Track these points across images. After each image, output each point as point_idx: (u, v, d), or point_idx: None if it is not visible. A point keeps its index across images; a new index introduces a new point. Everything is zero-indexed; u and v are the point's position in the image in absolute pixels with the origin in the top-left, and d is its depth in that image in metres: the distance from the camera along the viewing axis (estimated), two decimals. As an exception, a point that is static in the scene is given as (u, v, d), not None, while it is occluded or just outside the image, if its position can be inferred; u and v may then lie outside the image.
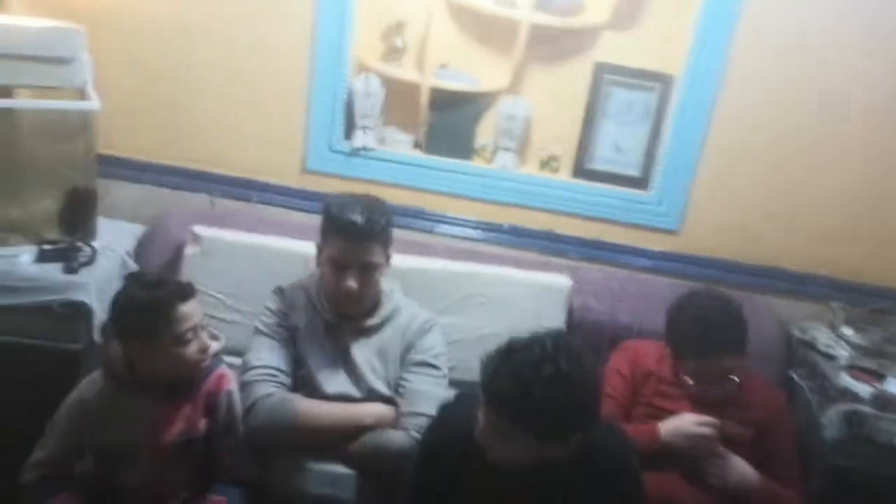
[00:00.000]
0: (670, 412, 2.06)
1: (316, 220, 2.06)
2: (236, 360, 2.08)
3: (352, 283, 1.90)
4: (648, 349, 2.21)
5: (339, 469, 1.87)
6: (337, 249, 1.91)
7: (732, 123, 2.48)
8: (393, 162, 2.55)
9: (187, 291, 1.80)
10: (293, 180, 2.56)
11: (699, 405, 2.06)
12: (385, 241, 1.96)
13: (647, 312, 2.39)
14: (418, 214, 2.57)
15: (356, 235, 1.89)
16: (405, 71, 2.49)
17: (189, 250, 2.26)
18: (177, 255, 2.29)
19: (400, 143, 2.56)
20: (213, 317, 2.12)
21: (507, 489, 1.59)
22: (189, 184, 2.55)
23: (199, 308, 1.83)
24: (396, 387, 1.99)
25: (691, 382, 2.05)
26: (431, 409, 1.89)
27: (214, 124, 2.52)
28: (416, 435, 1.84)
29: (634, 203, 2.57)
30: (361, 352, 1.98)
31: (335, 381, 1.95)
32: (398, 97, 2.51)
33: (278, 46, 2.45)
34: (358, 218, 1.89)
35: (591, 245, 2.60)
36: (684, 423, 1.99)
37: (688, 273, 2.58)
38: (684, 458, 2.00)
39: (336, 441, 1.87)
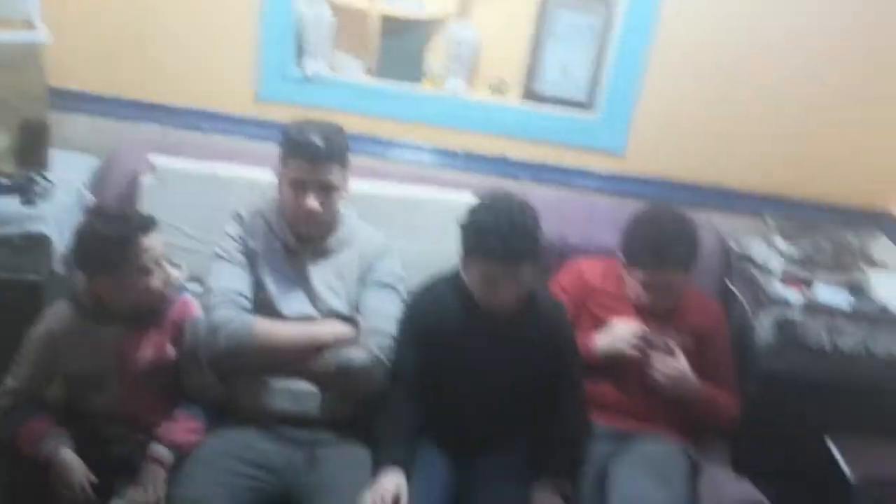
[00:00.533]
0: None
1: (270, 148, 2.10)
2: (199, 287, 2.15)
3: (312, 203, 1.95)
4: (594, 266, 2.32)
5: (303, 385, 1.94)
6: (297, 170, 1.95)
7: (674, 46, 2.54)
8: (345, 88, 2.57)
9: (149, 224, 1.85)
10: (245, 109, 2.58)
11: (642, 316, 2.19)
12: (344, 164, 2.00)
13: (593, 232, 2.49)
14: (369, 140, 2.61)
15: (315, 155, 1.93)
16: (354, -2, 2.50)
17: (145, 180, 2.28)
18: (132, 186, 2.30)
19: (351, 70, 2.59)
20: (172, 245, 2.14)
21: (480, 342, 1.96)
22: (142, 115, 2.55)
23: (161, 239, 1.88)
24: (356, 307, 2.05)
25: (638, 294, 2.18)
26: (391, 327, 1.98)
27: (165, 55, 2.51)
28: (378, 352, 1.93)
29: (581, 126, 2.65)
30: (320, 273, 2.03)
31: (294, 303, 2.00)
32: (348, 24, 2.52)
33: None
34: (317, 139, 1.93)
35: (540, 168, 2.68)
36: (615, 328, 2.15)
37: (633, 193, 2.66)
38: (620, 367, 2.15)
39: (296, 359, 1.93)
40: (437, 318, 1.98)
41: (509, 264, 1.85)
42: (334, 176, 1.98)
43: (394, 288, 2.08)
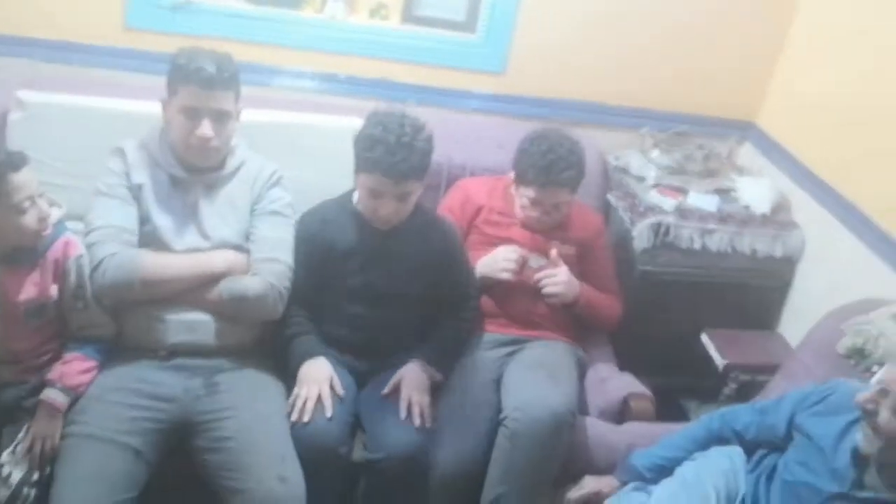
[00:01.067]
0: (502, 237, 2.29)
1: (143, 79, 2.04)
2: (80, 225, 2.09)
3: (207, 130, 1.90)
4: (480, 185, 2.39)
5: (198, 315, 1.94)
6: (189, 97, 1.89)
7: (551, -34, 2.60)
8: (220, 15, 2.51)
9: (18, 160, 1.77)
10: (115, 39, 2.49)
11: (529, 230, 2.29)
12: (236, 91, 1.97)
13: (479, 151, 2.55)
14: (252, 69, 2.53)
15: (208, 81, 1.89)
16: (227, -81, 2.43)
17: (13, 116, 2.17)
18: (-1, 124, 2.21)
19: (228, -5, 2.53)
20: (47, 184, 2.04)
21: (370, 258, 2.03)
22: (7, 49, 2.44)
23: (34, 176, 1.82)
24: (247, 236, 2.05)
25: (527, 210, 2.26)
26: (285, 255, 2.00)
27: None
28: (272, 279, 1.94)
29: (462, 47, 2.68)
30: (210, 205, 2.01)
31: (185, 237, 1.97)
32: (219, -52, 2.46)
33: None
34: (210, 65, 1.89)
35: (424, 90, 2.70)
36: (497, 252, 2.23)
37: (515, 112, 2.75)
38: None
39: (187, 290, 1.92)
40: (328, 237, 2.03)
41: (395, 179, 1.91)
42: (228, 103, 1.94)
43: (284, 215, 2.08)
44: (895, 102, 2.28)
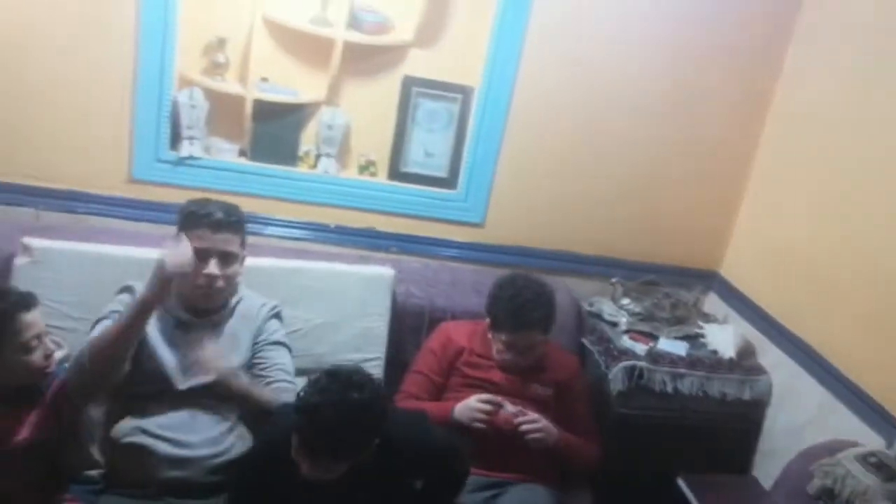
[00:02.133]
0: (482, 379, 2.37)
1: (145, 228, 2.15)
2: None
3: (214, 269, 2.02)
4: (460, 328, 2.50)
5: (187, 451, 1.97)
6: (198, 239, 2.01)
7: (525, 127, 2.83)
8: (219, 169, 2.69)
9: (30, 301, 1.87)
10: (120, 190, 2.64)
11: (507, 372, 2.38)
12: (242, 237, 2.12)
13: (459, 296, 2.70)
14: (248, 219, 2.69)
15: (217, 224, 2.04)
16: (228, 85, 2.64)
17: (19, 261, 2.28)
18: (4, 268, 2.30)
19: (226, 152, 2.71)
20: (52, 326, 2.13)
21: (322, 492, 1.77)
22: (15, 198, 2.58)
23: (41, 317, 1.91)
24: (251, 367, 2.13)
25: (502, 354, 2.36)
26: (291, 377, 2.10)
27: (40, 137, 2.55)
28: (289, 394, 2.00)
29: (444, 201, 2.87)
30: (213, 342, 2.09)
31: (188, 374, 2.03)
32: (222, 109, 2.66)
33: (102, 60, 2.52)
34: (218, 211, 2.05)
35: (408, 239, 2.88)
36: (470, 401, 2.28)
37: (492, 260, 2.91)
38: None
39: (127, 350, 1.91)
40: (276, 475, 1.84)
41: (331, 457, 1.71)
42: (234, 246, 2.09)
43: (285, 344, 2.20)
44: (850, 251, 2.45)
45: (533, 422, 2.27)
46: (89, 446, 2.02)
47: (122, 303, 2.07)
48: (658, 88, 2.87)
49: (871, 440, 2.19)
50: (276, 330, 2.21)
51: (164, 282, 1.88)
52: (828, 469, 2.03)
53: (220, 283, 2.06)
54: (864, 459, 2.03)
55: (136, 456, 1.96)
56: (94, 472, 2.02)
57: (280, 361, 2.14)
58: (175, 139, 2.65)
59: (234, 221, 2.09)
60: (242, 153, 2.75)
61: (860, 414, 2.30)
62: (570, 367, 2.52)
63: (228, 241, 2.07)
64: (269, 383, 2.10)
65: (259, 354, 2.15)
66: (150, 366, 2.03)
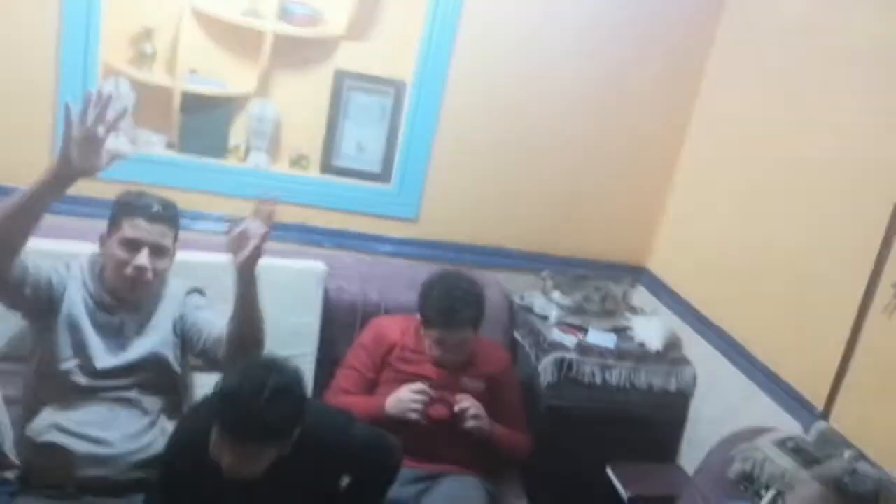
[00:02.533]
0: (414, 374, 2.38)
1: (68, 222, 2.11)
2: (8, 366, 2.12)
3: (143, 260, 1.98)
4: (393, 323, 2.51)
5: (105, 449, 1.93)
6: (132, 229, 1.98)
7: (458, 122, 2.84)
8: (146, 162, 2.62)
9: None
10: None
11: (439, 367, 2.40)
12: (176, 231, 2.08)
13: (392, 291, 2.70)
14: None
15: (153, 216, 2.00)
16: (155, 76, 2.59)
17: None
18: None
19: (153, 144, 2.66)
20: None
21: (244, 493, 1.75)
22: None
23: None
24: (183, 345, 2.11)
25: (433, 350, 2.38)
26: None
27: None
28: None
29: (377, 196, 2.87)
30: (133, 322, 2.06)
31: (109, 354, 2.01)
32: (149, 100, 2.61)
33: (23, 47, 2.44)
34: (154, 203, 2.03)
35: (341, 235, 2.86)
36: (401, 393, 2.30)
37: (426, 256, 2.91)
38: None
39: (25, 222, 1.82)
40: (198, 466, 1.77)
41: (253, 443, 1.69)
42: (167, 240, 2.05)
43: (208, 308, 2.17)
44: (770, 247, 2.53)
45: (476, 407, 2.31)
46: (2, 448, 1.96)
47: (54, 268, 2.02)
48: (587, 86, 2.92)
49: (790, 426, 2.27)
50: (197, 303, 2.17)
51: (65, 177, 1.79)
52: (747, 454, 2.10)
53: (149, 276, 2.02)
54: (781, 444, 2.10)
55: (52, 455, 1.91)
56: (9, 474, 1.96)
57: (212, 318, 2.09)
58: (99, 131, 2.58)
59: (170, 215, 2.06)
60: (171, 145, 2.70)
61: (780, 401, 2.38)
62: (501, 360, 2.54)
63: (163, 234, 2.04)
64: (214, 335, 2.05)
65: (189, 326, 2.11)
66: (74, 339, 1.98)
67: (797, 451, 2.07)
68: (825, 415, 2.21)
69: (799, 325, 2.38)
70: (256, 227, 1.87)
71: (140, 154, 2.62)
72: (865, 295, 2.13)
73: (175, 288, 2.17)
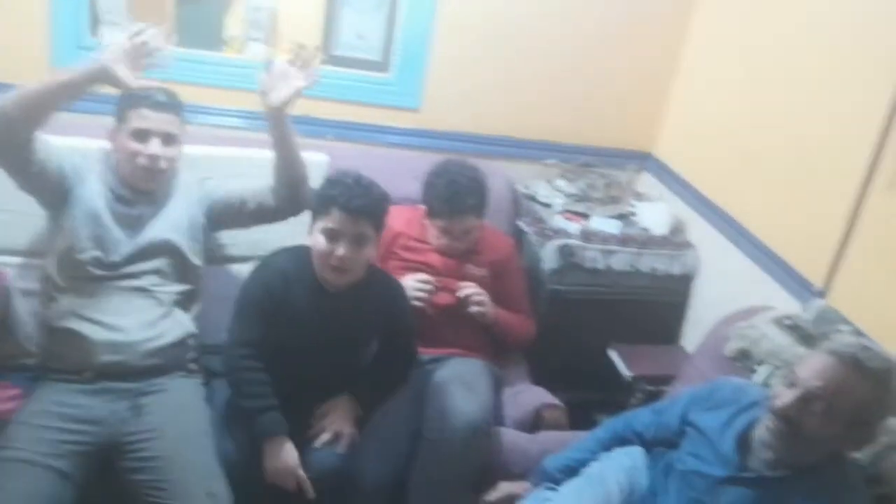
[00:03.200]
0: (419, 262, 2.42)
1: (66, 117, 2.10)
2: (10, 259, 2.16)
3: (156, 149, 2.03)
4: (398, 213, 2.50)
5: (122, 336, 1.99)
6: (140, 119, 2.01)
7: (458, 6, 2.77)
8: (143, 56, 2.60)
9: None
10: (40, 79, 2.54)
11: (444, 256, 2.43)
12: (182, 119, 2.11)
13: (396, 182, 2.62)
14: None
15: (158, 104, 2.03)
16: (147, -35, 2.53)
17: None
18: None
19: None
20: None
21: (320, 314, 2.05)
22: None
23: None
24: (195, 246, 2.16)
25: (439, 239, 2.40)
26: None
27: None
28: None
29: (378, 85, 2.84)
30: (153, 216, 2.11)
31: (126, 244, 2.06)
32: (143, -9, 2.56)
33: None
34: (158, 93, 2.05)
35: (345, 126, 2.84)
36: (408, 280, 2.33)
37: (430, 146, 2.90)
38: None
39: (57, 101, 1.92)
40: (284, 292, 2.05)
41: (352, 215, 1.96)
42: (175, 127, 2.08)
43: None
44: (773, 129, 2.51)
45: (478, 293, 2.35)
46: (21, 336, 2.03)
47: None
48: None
49: (790, 305, 2.31)
50: (216, 183, 2.24)
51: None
52: (744, 332, 2.14)
53: (163, 164, 2.06)
54: (778, 322, 2.14)
55: (71, 341, 1.98)
56: (29, 361, 2.04)
57: (238, 185, 2.21)
58: (95, 25, 2.54)
59: (175, 103, 2.09)
60: (166, 39, 2.65)
61: (780, 281, 2.41)
62: (505, 247, 2.57)
63: (171, 122, 2.06)
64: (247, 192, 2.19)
65: (224, 199, 2.20)
66: (94, 231, 2.03)
67: (794, 328, 2.11)
68: (823, 293, 2.24)
69: (800, 204, 2.38)
70: (294, 71, 2.03)
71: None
72: (867, 173, 2.12)
73: (186, 179, 2.20)
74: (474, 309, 2.36)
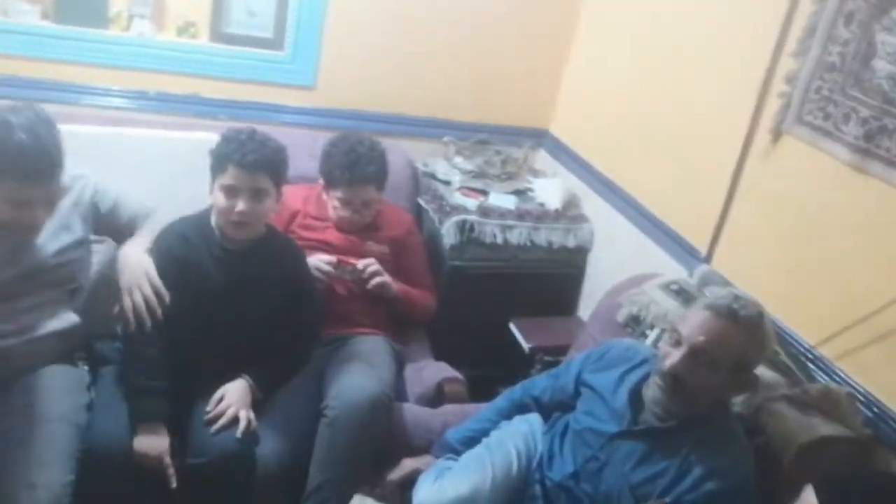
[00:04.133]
0: (318, 240, 2.40)
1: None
2: None
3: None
4: (295, 192, 2.48)
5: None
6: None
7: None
8: (20, 33, 2.49)
9: None
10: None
11: (343, 232, 2.42)
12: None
13: (294, 163, 2.61)
14: (58, 87, 2.56)
15: None
16: (20, -63, 2.41)
17: None
18: None
19: (26, 14, 2.50)
20: None
21: (223, 279, 2.04)
22: None
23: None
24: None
25: (338, 211, 2.38)
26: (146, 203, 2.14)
27: None
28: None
29: (271, 63, 2.79)
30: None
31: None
32: (16, -35, 2.43)
33: None
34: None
35: (236, 105, 2.79)
36: (310, 261, 2.31)
37: (326, 125, 2.85)
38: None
39: None
40: (185, 255, 2.05)
41: (248, 169, 1.97)
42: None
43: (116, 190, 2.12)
44: (662, 106, 2.60)
45: (377, 272, 2.35)
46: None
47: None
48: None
49: (677, 271, 2.40)
50: (107, 191, 2.12)
51: None
52: (634, 298, 2.22)
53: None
54: (665, 287, 2.22)
55: None
56: None
57: (125, 199, 2.12)
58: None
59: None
60: (45, 16, 2.54)
61: (668, 250, 2.51)
62: (405, 223, 2.58)
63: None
64: (129, 218, 2.10)
65: (105, 215, 2.09)
66: None
67: (679, 292, 2.20)
68: (708, 259, 2.34)
69: (685, 175, 2.48)
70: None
71: (13, 25, 2.48)
72: (745, 142, 2.23)
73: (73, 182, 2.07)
74: (375, 281, 2.36)
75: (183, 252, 2.05)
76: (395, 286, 2.41)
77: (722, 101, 2.34)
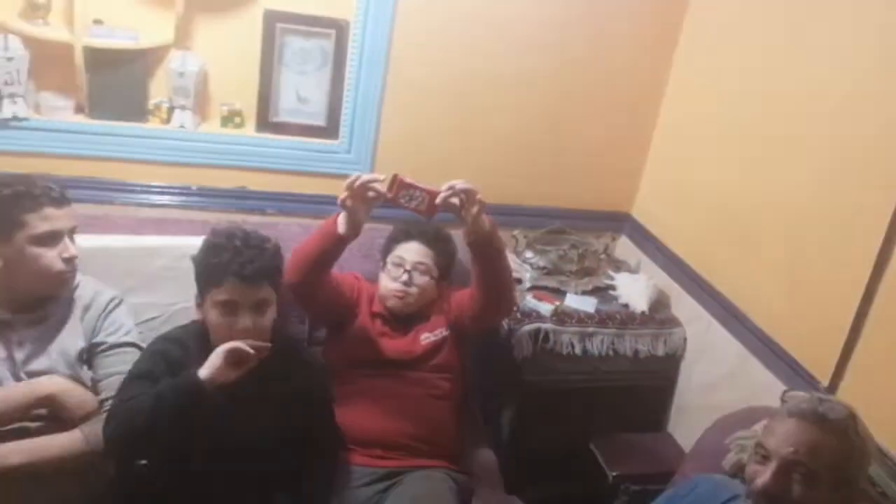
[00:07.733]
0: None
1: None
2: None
3: (73, 250, 1.80)
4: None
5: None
6: (44, 220, 1.75)
7: (410, 65, 2.51)
8: (52, 130, 2.31)
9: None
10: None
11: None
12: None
13: (346, 263, 2.39)
14: (93, 185, 2.37)
15: (58, 201, 1.77)
16: (53, 30, 2.22)
17: None
18: None
19: (59, 110, 2.32)
20: None
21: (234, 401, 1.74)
22: None
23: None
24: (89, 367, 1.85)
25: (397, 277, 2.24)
26: None
27: None
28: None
29: (324, 153, 2.55)
30: (33, 344, 1.80)
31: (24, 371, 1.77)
32: (48, 59, 2.25)
33: None
34: (50, 188, 1.77)
35: (286, 198, 2.55)
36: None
37: (384, 216, 2.58)
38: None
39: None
40: (179, 357, 1.79)
41: (248, 281, 1.72)
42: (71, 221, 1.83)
43: (133, 344, 1.90)
44: (763, 197, 2.25)
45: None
46: None
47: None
48: (562, 18, 2.58)
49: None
50: (119, 326, 1.90)
51: None
52: (743, 443, 1.87)
53: (74, 268, 1.83)
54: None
55: None
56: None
57: (119, 370, 1.83)
58: (-4, 100, 2.24)
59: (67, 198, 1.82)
60: (80, 109, 2.35)
61: (772, 368, 2.15)
62: (449, 297, 2.29)
63: (68, 216, 1.81)
64: (103, 400, 1.81)
65: (98, 359, 1.85)
66: None
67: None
68: (831, 391, 1.96)
69: (800, 283, 2.10)
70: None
71: (47, 123, 2.30)
72: (881, 252, 1.84)
73: (89, 292, 1.93)
74: (474, 209, 1.98)
75: (180, 356, 1.79)
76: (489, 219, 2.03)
77: (846, 189, 1.96)
